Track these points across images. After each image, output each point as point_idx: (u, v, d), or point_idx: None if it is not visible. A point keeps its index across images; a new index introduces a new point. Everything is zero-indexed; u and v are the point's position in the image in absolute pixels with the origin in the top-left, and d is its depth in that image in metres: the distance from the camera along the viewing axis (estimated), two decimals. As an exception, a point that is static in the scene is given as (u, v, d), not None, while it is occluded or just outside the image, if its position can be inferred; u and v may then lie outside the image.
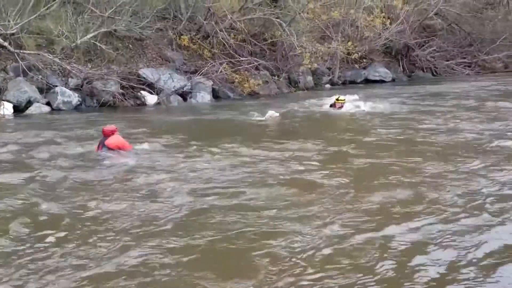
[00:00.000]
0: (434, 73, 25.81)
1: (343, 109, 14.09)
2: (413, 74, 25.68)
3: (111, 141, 8.81)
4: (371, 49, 23.83)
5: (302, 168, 7.73)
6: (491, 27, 28.12)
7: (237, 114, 14.26)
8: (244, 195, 6.43)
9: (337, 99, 14.25)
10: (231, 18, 19.19)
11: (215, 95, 18.29)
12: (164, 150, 9.30)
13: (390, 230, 5.25)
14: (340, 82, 23.04)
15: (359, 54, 22.61)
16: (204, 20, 19.39)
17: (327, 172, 7.48)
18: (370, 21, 21.63)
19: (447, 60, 26.41)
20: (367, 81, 23.64)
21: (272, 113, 12.94)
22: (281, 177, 7.25)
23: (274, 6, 20.66)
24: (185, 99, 17.48)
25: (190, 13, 19.73)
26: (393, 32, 23.95)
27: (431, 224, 5.38)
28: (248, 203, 6.16)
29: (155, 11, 18.96)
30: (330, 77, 22.76)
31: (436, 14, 26.24)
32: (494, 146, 9.05)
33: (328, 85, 22.36)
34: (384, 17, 22.84)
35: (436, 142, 9.56)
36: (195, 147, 9.39)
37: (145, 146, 9.42)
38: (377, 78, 23.89)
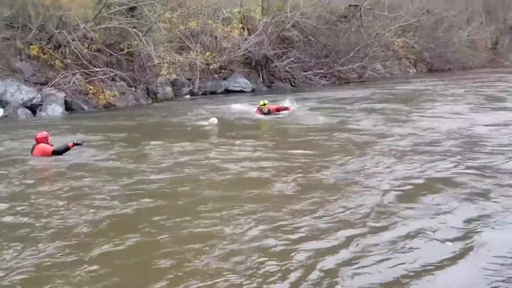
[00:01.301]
0: (293, 83, 26.81)
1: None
2: (272, 84, 26.55)
3: (37, 149, 9.89)
4: (231, 59, 24.40)
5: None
6: (345, 39, 29.81)
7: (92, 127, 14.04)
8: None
9: (262, 104, 15.36)
10: (84, 27, 18.79)
11: (68, 107, 17.83)
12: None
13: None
14: (201, 92, 23.34)
15: (219, 64, 23.10)
16: (56, 29, 18.82)
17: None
18: (228, 32, 22.12)
19: (305, 71, 27.58)
20: (228, 92, 24.15)
21: (213, 120, 13.90)
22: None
23: (132, 16, 20.50)
24: (34, 112, 16.82)
25: (40, 22, 19.03)
26: (252, 43, 24.71)
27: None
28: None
29: (0, 20, 18.09)
30: (190, 88, 22.97)
31: (293, 26, 27.35)
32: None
33: (188, 96, 22.58)
34: (242, 28, 23.45)
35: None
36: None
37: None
38: (238, 89, 24.49)
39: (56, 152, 9.79)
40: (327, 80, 27.72)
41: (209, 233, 5.84)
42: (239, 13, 25.76)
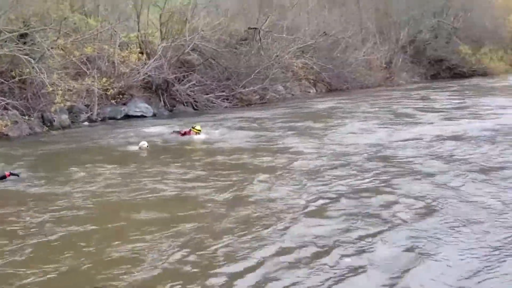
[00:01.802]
0: (195, 107, 26.85)
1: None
2: (174, 108, 26.42)
3: None
4: (130, 85, 24.13)
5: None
6: (245, 62, 30.31)
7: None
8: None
9: (193, 128, 16.61)
10: (-30, 55, 18.04)
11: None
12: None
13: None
14: (100, 119, 22.86)
15: (118, 90, 22.82)
16: None
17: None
18: (125, 57, 21.93)
19: (207, 94, 27.73)
20: (128, 117, 23.80)
21: (143, 144, 14.60)
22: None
23: (24, 43, 19.88)
24: None
25: None
26: (152, 67, 24.61)
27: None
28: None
29: None
30: (88, 115, 22.48)
31: (193, 49, 27.53)
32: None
33: (86, 123, 22.06)
34: (141, 53, 23.33)
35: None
36: None
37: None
38: (138, 114, 24.20)
39: None
40: (229, 103, 28.00)
41: (134, 258, 6.13)
42: (137, 37, 25.61)
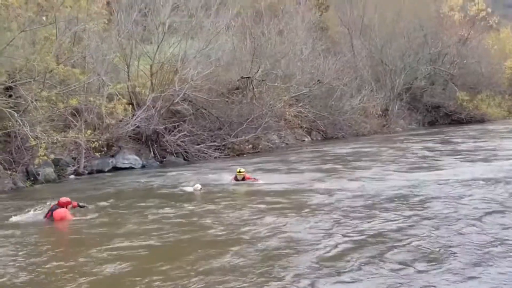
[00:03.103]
0: (185, 157, 26.61)
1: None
2: (164, 159, 26.18)
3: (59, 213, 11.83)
4: (118, 136, 23.96)
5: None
6: (238, 111, 30.26)
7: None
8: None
9: (238, 172, 17.38)
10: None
11: None
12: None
13: None
14: (87, 172, 22.62)
15: (106, 142, 22.65)
16: None
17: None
18: (111, 108, 21.81)
19: (198, 144, 27.54)
20: (116, 169, 23.56)
21: (197, 186, 16.27)
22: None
23: (9, 96, 19.77)
24: None
25: None
26: (141, 118, 24.49)
27: None
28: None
29: None
30: (75, 167, 22.23)
31: (183, 99, 27.48)
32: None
33: (72, 176, 21.79)
34: (128, 104, 23.25)
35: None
36: None
37: None
38: (127, 165, 24.00)
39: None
40: (220, 153, 27.76)
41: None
42: (127, 88, 25.56)
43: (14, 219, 12.53)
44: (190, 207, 13.54)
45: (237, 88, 32.99)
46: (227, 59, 33.50)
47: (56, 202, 12.31)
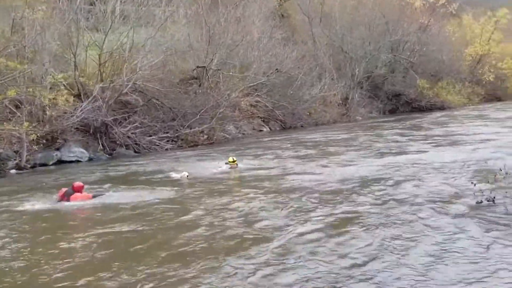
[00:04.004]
0: (136, 150, 25.88)
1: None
2: (114, 152, 25.40)
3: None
4: (64, 128, 23.09)
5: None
6: (191, 101, 29.60)
7: None
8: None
9: (230, 161, 18.07)
10: None
11: None
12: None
13: None
14: (29, 165, 21.72)
15: (50, 134, 21.86)
16: None
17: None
18: (53, 100, 21.00)
19: (150, 136, 26.83)
20: (61, 162, 22.75)
21: (184, 174, 16.47)
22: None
23: None
24: None
25: None
26: (87, 109, 23.68)
27: None
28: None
29: None
30: (16, 161, 21.35)
31: (134, 90, 26.72)
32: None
33: (14, 171, 20.89)
34: (72, 95, 22.46)
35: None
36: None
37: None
38: (73, 159, 23.19)
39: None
40: (173, 144, 27.13)
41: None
42: (74, 78, 24.72)
43: None
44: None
45: (193, 78, 32.35)
46: (182, 48, 32.79)
47: (71, 187, 13.14)
